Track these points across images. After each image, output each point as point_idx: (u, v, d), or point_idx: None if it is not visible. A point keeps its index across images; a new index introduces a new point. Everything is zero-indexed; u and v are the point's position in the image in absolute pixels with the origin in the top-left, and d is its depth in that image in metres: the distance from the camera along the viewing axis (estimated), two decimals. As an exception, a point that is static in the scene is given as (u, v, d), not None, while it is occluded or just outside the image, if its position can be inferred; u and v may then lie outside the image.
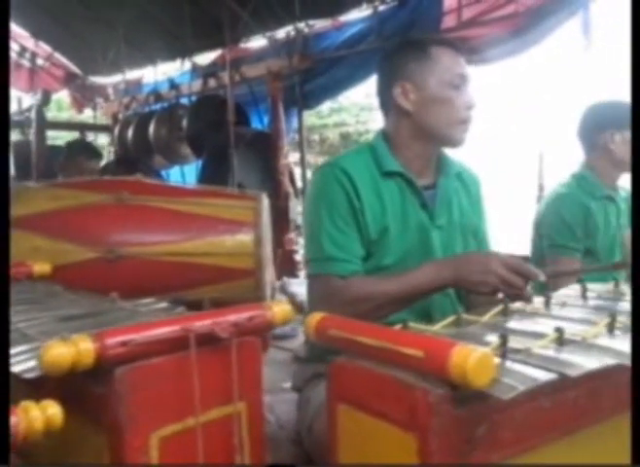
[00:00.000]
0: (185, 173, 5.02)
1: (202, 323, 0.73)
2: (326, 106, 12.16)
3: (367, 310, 1.25)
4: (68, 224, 1.77)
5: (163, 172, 5.20)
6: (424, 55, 1.36)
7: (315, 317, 0.83)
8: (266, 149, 3.98)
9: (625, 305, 1.09)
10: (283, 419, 1.51)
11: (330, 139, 12.45)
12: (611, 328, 0.88)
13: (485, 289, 1.21)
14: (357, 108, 12.38)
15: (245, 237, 1.82)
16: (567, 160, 2.19)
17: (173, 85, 4.79)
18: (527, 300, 1.12)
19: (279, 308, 0.83)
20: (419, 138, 1.39)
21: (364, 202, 1.33)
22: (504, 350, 0.76)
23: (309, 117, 12.21)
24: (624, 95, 2.19)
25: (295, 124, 4.34)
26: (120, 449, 0.69)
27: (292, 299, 3.08)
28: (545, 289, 1.23)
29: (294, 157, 5.32)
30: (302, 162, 4.29)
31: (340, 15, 3.90)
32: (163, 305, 1.11)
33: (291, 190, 3.89)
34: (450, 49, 1.38)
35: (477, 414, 0.69)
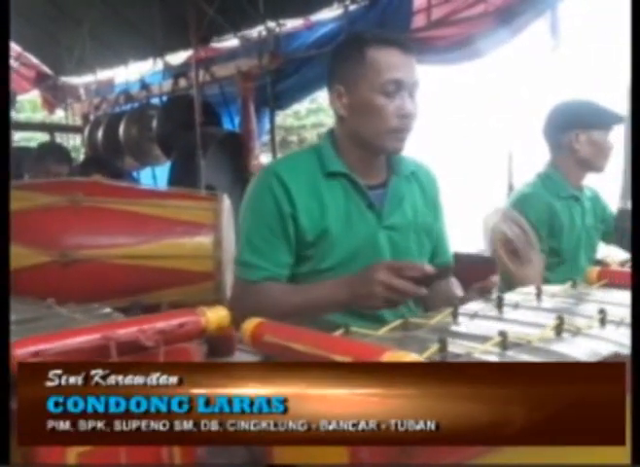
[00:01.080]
0: (157, 174, 4.96)
1: (125, 331, 0.70)
2: (303, 107, 12.14)
3: (272, 318, 1.23)
4: (20, 227, 1.71)
5: (135, 173, 5.13)
6: (358, 57, 1.28)
7: (252, 323, 0.79)
8: (237, 150, 3.94)
9: (580, 306, 1.07)
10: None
11: (308, 140, 12.42)
12: (559, 331, 0.86)
13: (377, 302, 1.16)
14: (335, 109, 12.37)
15: (204, 239, 1.78)
16: (537, 159, 2.18)
17: (144, 85, 4.74)
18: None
19: (214, 314, 0.80)
20: (356, 143, 1.34)
21: (298, 207, 1.29)
22: (443, 355, 0.73)
23: (287, 118, 12.21)
24: (592, 95, 2.19)
25: (267, 124, 4.30)
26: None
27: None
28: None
29: (268, 158, 5.28)
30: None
31: (311, 14, 3.87)
32: (106, 310, 1.07)
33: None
34: (392, 49, 1.28)
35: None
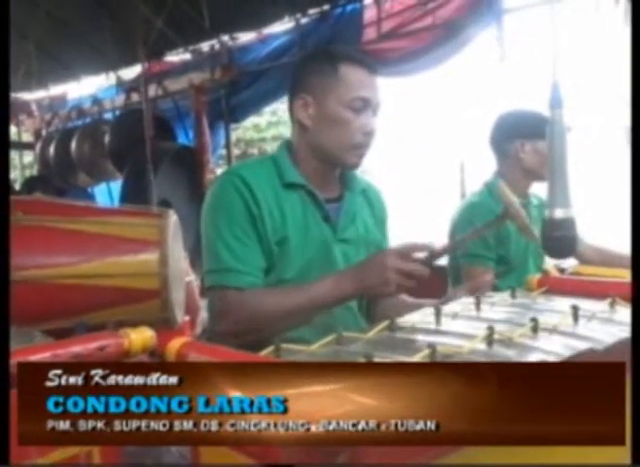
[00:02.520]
0: (112, 190, 4.88)
1: (37, 357, 0.67)
2: (264, 120, 12.15)
3: (265, 325, 1.23)
4: (-45, 248, 1.65)
5: (90, 190, 5.05)
6: (331, 71, 1.32)
7: (177, 343, 0.78)
8: (191, 164, 3.91)
9: (516, 315, 1.08)
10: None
11: (269, 153, 12.44)
12: (489, 341, 0.86)
13: (390, 288, 1.18)
14: (296, 121, 12.41)
15: (150, 257, 1.73)
16: (489, 169, 2.21)
17: (96, 100, 4.67)
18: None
19: (138, 336, 0.77)
20: (316, 155, 1.36)
21: (263, 211, 1.29)
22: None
23: (248, 131, 12.18)
24: (538, 105, 2.23)
25: (223, 137, 4.28)
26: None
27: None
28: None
29: (225, 171, 5.24)
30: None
31: (263, 27, 3.88)
32: (35, 334, 1.04)
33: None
34: (361, 68, 1.33)
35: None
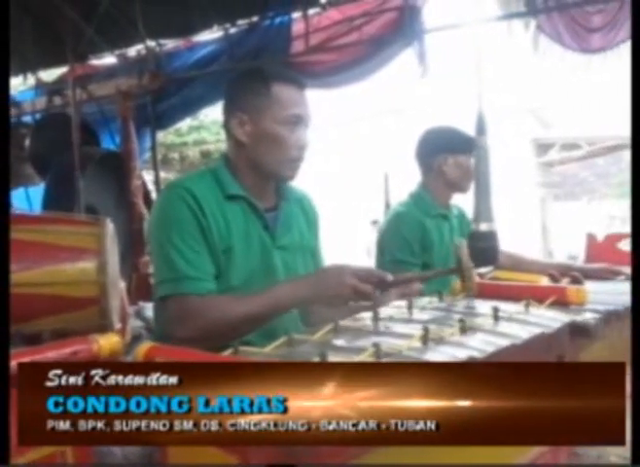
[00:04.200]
0: (30, 195, 4.72)
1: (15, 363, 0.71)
2: (185, 124, 11.97)
3: (227, 329, 1.29)
4: None
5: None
6: (264, 90, 1.39)
7: (144, 347, 0.83)
8: (117, 169, 3.86)
9: (444, 316, 1.19)
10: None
11: (190, 157, 12.27)
12: (425, 340, 0.96)
13: (340, 301, 1.29)
14: (217, 126, 12.32)
15: (88, 265, 1.74)
16: (414, 180, 2.33)
17: (14, 102, 4.50)
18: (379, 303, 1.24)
19: (106, 341, 0.82)
20: (253, 169, 1.44)
21: (210, 221, 1.35)
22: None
23: (168, 135, 11.98)
24: (459, 120, 2.39)
25: (148, 143, 4.25)
26: None
27: (148, 324, 3.00)
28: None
29: (149, 175, 5.19)
30: (157, 183, 4.21)
31: (191, 35, 3.90)
32: None
33: (145, 211, 3.80)
34: (293, 86, 1.41)
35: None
